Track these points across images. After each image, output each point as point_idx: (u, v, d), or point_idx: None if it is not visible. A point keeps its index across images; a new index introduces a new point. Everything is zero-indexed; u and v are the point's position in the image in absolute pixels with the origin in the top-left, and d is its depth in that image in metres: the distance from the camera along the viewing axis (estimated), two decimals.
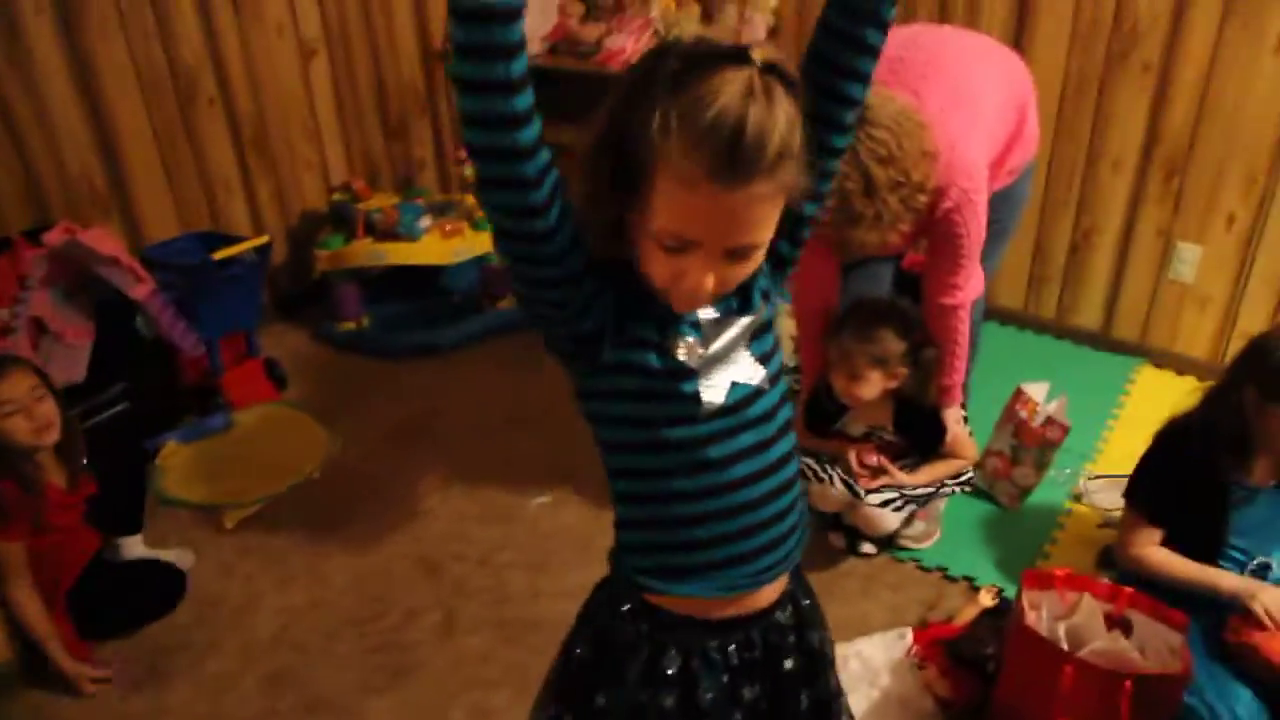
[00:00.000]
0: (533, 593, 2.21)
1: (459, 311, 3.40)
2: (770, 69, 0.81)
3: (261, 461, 2.71)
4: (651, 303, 0.94)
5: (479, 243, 3.28)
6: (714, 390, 0.95)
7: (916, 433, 2.22)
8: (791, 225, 0.97)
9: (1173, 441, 1.86)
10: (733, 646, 1.06)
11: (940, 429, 2.21)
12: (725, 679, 1.06)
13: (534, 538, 2.39)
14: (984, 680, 1.85)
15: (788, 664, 1.09)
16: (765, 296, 1.01)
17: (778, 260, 1.02)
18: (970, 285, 2.10)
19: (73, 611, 2.04)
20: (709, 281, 0.88)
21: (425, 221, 3.26)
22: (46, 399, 1.97)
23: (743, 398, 0.97)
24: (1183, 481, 1.82)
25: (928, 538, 2.32)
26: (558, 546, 2.34)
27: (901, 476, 2.17)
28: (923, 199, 1.81)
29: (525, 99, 0.80)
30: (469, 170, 3.57)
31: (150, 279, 2.62)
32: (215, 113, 3.16)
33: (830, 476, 2.19)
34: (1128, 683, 1.57)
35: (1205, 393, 1.87)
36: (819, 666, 1.13)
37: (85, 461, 2.08)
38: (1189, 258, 2.89)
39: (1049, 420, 2.32)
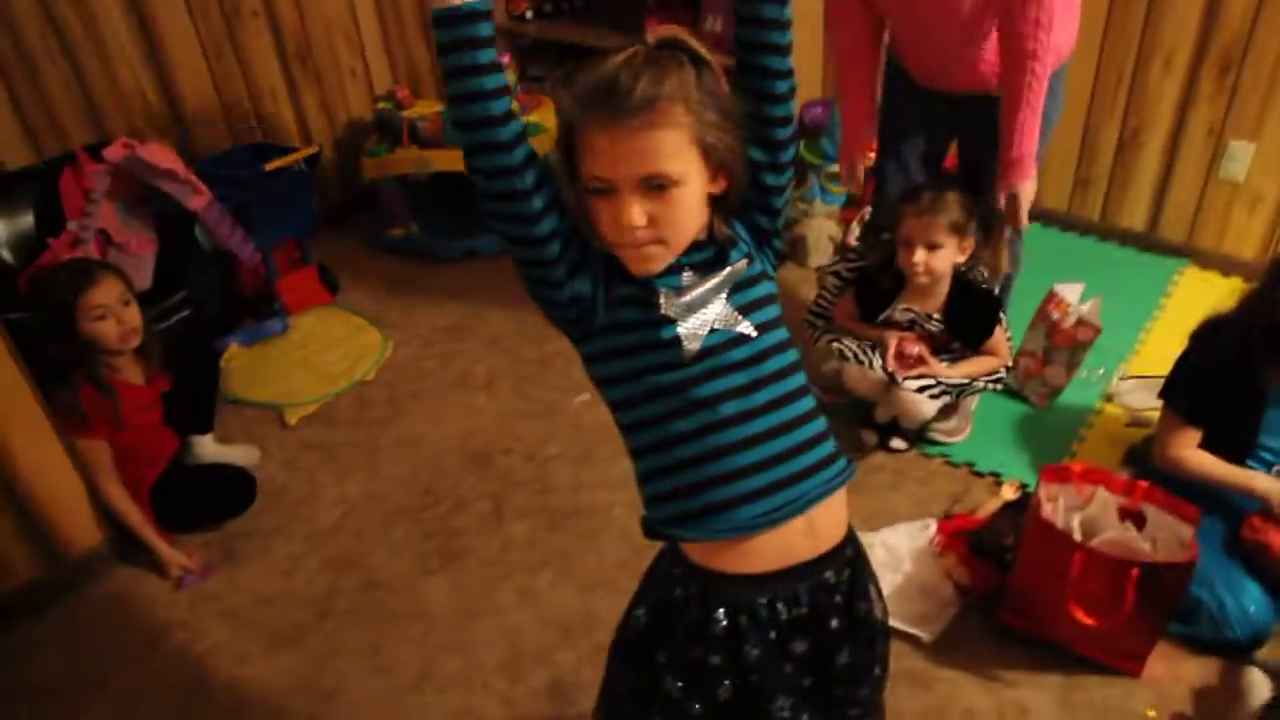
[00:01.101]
0: (576, 484, 2.34)
1: None
2: (664, 45, 0.99)
3: (318, 363, 2.85)
4: None
5: None
6: (692, 334, 1.05)
7: (965, 320, 2.26)
8: (760, 197, 1.10)
9: (1209, 341, 1.88)
10: (780, 603, 1.11)
11: (988, 320, 2.24)
12: (773, 635, 1.12)
13: (577, 433, 2.51)
14: (1002, 570, 1.94)
15: (833, 623, 1.15)
16: (748, 259, 1.10)
17: (759, 232, 1.13)
18: (1050, 34, 1.93)
19: (155, 510, 2.21)
20: (638, 215, 0.98)
21: None
22: (132, 305, 2.11)
23: (722, 342, 1.06)
24: (1217, 381, 1.84)
25: (959, 433, 2.39)
26: (599, 441, 2.46)
27: (939, 368, 2.24)
28: None
29: (500, 95, 0.97)
30: (510, 76, 3.59)
31: (207, 191, 2.72)
32: (260, 25, 3.21)
33: (870, 360, 2.25)
34: (1135, 570, 1.65)
35: (1244, 294, 1.87)
36: (863, 632, 1.18)
37: (160, 362, 2.22)
38: (1241, 156, 2.83)
39: (1080, 321, 2.34)
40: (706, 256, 1.09)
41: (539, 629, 1.97)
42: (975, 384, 2.29)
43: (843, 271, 2.53)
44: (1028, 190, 2.16)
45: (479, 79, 0.95)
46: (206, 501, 2.29)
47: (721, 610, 1.10)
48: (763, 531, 1.07)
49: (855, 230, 3.03)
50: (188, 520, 2.26)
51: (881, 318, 2.32)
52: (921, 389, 2.23)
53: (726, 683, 1.12)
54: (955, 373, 2.26)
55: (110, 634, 2.03)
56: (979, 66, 2.08)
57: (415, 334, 2.97)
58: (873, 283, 2.32)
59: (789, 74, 1.06)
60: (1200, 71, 2.79)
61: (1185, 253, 3.04)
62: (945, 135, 2.35)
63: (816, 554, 1.11)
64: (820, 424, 1.11)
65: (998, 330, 2.28)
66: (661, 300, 1.06)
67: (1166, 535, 1.74)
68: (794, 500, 1.07)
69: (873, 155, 2.38)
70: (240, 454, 2.45)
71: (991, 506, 2.13)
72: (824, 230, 3.21)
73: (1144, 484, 1.81)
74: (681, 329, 1.05)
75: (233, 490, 2.31)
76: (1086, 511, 1.81)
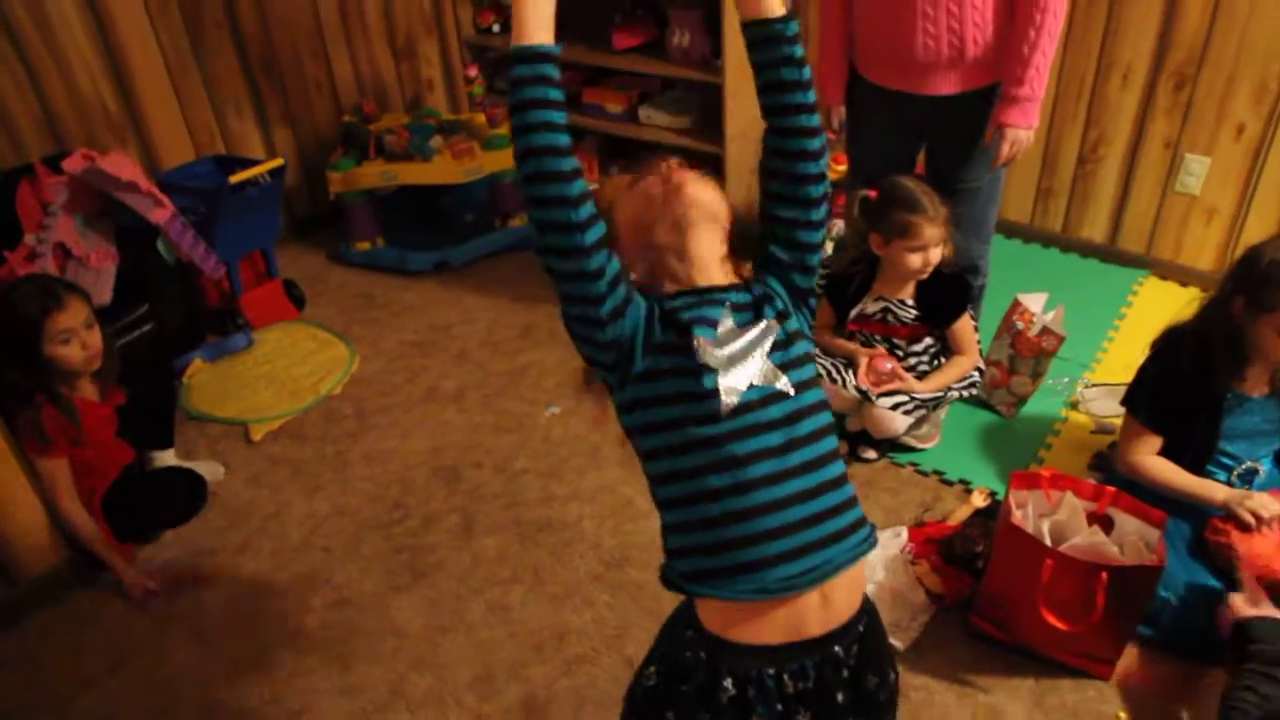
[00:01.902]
0: (546, 497, 2.32)
1: (471, 229, 3.45)
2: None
3: (284, 378, 2.81)
4: (674, 313, 1.09)
5: (489, 162, 3.31)
6: (732, 387, 1.06)
7: (936, 299, 2.27)
8: (797, 255, 1.18)
9: (1169, 350, 1.91)
10: (787, 676, 1.10)
11: (958, 297, 2.26)
12: (779, 707, 1.11)
13: (546, 445, 2.49)
14: (973, 576, 1.95)
15: (839, 697, 1.14)
16: (782, 317, 1.14)
17: (796, 291, 1.19)
18: None
19: (105, 519, 2.14)
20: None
21: (436, 141, 3.29)
22: (95, 327, 2.06)
23: (761, 398, 1.06)
24: (1177, 389, 1.88)
25: (929, 440, 2.41)
26: (569, 454, 2.45)
27: (911, 383, 2.25)
28: None
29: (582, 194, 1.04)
30: (478, 89, 3.59)
31: (169, 203, 2.68)
32: (223, 35, 3.18)
33: (843, 379, 2.27)
34: (1104, 574, 1.67)
35: (1201, 303, 1.91)
36: (869, 707, 1.17)
37: (117, 378, 2.18)
38: (1196, 169, 2.89)
39: (1045, 330, 2.38)
40: (744, 300, 1.13)
41: (511, 644, 1.94)
42: (949, 394, 2.31)
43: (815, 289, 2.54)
44: (1021, 139, 2.15)
45: (557, 160, 1.01)
46: (154, 506, 2.24)
47: (730, 679, 1.09)
48: (784, 597, 1.06)
49: (827, 246, 3.05)
50: (138, 527, 2.21)
51: (854, 312, 2.33)
52: (895, 405, 2.24)
53: None
54: (927, 387, 2.28)
55: (70, 656, 1.97)
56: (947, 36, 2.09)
57: (382, 348, 2.94)
58: (842, 280, 2.34)
59: (820, 130, 1.13)
60: (1157, 85, 2.86)
61: (1145, 264, 3.10)
62: (913, 145, 2.38)
63: (828, 629, 1.10)
64: (849, 489, 1.11)
65: (966, 318, 2.30)
66: (700, 348, 1.07)
67: (1134, 539, 1.77)
68: (819, 565, 1.07)
69: (843, 110, 2.42)
70: (204, 470, 2.40)
71: (962, 514, 2.15)
72: None
73: (1111, 489, 1.83)
74: (721, 381, 1.06)
75: (180, 492, 2.27)
76: (1055, 517, 1.83)
